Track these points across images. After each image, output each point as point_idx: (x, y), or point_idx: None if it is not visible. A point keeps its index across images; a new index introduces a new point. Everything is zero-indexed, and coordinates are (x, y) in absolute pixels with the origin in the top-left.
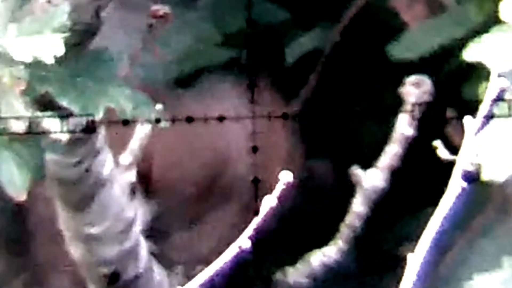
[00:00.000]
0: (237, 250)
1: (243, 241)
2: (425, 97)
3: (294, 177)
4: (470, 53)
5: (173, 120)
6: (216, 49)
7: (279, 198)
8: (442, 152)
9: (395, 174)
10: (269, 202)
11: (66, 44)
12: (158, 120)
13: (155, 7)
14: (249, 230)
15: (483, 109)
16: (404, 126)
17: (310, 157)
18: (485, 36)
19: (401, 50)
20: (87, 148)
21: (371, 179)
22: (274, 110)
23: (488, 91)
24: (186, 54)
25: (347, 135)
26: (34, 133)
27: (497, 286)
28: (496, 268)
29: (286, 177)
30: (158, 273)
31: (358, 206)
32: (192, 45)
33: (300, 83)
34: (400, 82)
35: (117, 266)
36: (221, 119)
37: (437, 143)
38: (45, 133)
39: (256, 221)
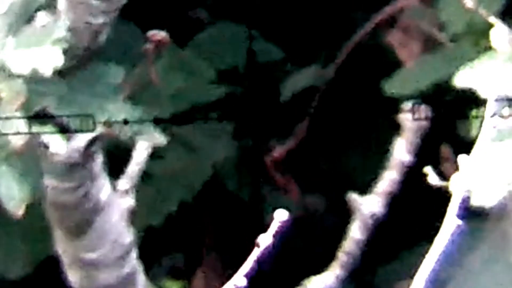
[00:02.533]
0: None
1: (239, 279)
2: (422, 123)
3: (290, 214)
4: (461, 79)
5: None
6: (211, 86)
7: (274, 236)
8: (433, 179)
9: (392, 206)
10: (264, 241)
11: (65, 62)
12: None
13: (152, 32)
14: (245, 268)
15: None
16: (401, 152)
17: (305, 192)
18: (475, 62)
19: (396, 86)
20: (85, 173)
21: (369, 205)
22: None
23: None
24: (180, 91)
25: (343, 168)
26: (33, 148)
27: None
28: None
29: (281, 215)
30: None
31: (356, 232)
32: (187, 83)
33: (295, 119)
34: (394, 120)
35: None
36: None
37: (428, 169)
38: (45, 147)
39: (252, 259)
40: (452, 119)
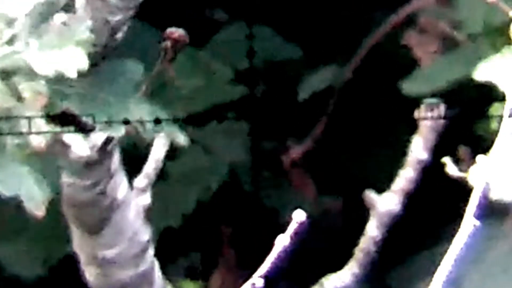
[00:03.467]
0: None
1: (257, 280)
2: (439, 121)
3: (307, 215)
4: (480, 74)
5: None
6: (228, 86)
7: (292, 236)
8: (451, 169)
9: (410, 205)
10: (282, 241)
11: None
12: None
13: (170, 30)
14: (263, 268)
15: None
16: (418, 150)
17: (322, 193)
18: (495, 56)
19: (414, 86)
20: (102, 170)
21: (385, 202)
22: None
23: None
24: (198, 91)
25: (360, 168)
26: (54, 148)
27: None
28: None
29: (299, 216)
30: None
31: (372, 230)
32: (204, 83)
33: (313, 119)
34: (412, 119)
35: None
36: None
37: (446, 159)
38: (66, 147)
39: (269, 260)
40: (470, 119)
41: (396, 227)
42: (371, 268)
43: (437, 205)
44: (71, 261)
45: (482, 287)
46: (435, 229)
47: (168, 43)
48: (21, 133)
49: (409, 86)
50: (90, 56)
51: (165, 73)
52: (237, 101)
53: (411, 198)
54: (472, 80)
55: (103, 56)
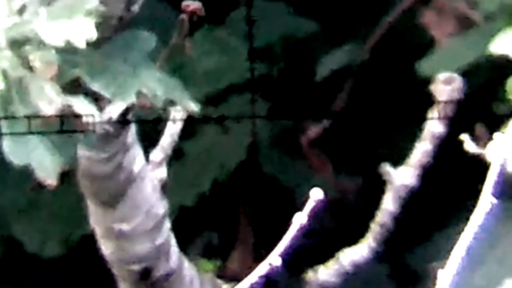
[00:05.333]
0: (268, 267)
1: (274, 259)
2: (456, 94)
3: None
4: (496, 47)
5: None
6: (246, 64)
7: (309, 215)
8: (469, 145)
9: (430, 185)
10: (299, 219)
11: (98, 32)
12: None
13: (186, 2)
14: (280, 247)
15: None
16: (434, 124)
17: (339, 172)
18: (510, 29)
19: (430, 66)
20: (118, 144)
21: (402, 176)
22: None
23: None
24: (216, 70)
25: (378, 146)
26: (65, 117)
27: None
28: None
29: (316, 194)
30: (189, 270)
31: (389, 203)
32: (223, 61)
33: (330, 99)
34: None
35: (148, 263)
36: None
37: (464, 136)
38: (76, 117)
39: (286, 238)
40: (488, 96)
41: (416, 206)
42: (390, 248)
43: (458, 184)
44: (90, 240)
45: (498, 269)
46: (456, 209)
47: (184, 16)
48: (31, 102)
49: (426, 67)
50: (104, 28)
51: (182, 49)
52: (255, 79)
53: (431, 177)
54: (488, 59)
55: (117, 29)
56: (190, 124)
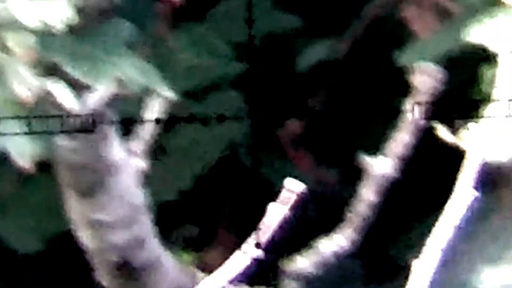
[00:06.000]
0: (249, 259)
1: (253, 250)
2: (434, 84)
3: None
4: (473, 35)
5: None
6: (225, 60)
7: (290, 208)
8: (444, 134)
9: (412, 174)
10: (274, 209)
11: (79, 20)
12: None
13: None
14: (259, 238)
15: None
16: (412, 114)
17: (319, 165)
18: (486, 18)
19: (408, 56)
20: (96, 133)
21: (379, 165)
22: None
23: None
24: (195, 67)
25: (358, 139)
26: (42, 101)
27: None
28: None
29: (294, 185)
30: (168, 261)
31: (366, 193)
32: (201, 58)
33: (310, 92)
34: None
35: (126, 253)
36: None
37: (436, 124)
38: (53, 103)
39: (262, 227)
40: (464, 84)
41: (399, 197)
42: (373, 239)
43: (438, 174)
44: (69, 236)
45: (477, 261)
46: (437, 199)
47: (164, 6)
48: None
49: (404, 56)
50: (85, 17)
51: (163, 42)
52: (236, 74)
53: (414, 167)
54: (465, 48)
55: (98, 18)
56: (171, 120)
